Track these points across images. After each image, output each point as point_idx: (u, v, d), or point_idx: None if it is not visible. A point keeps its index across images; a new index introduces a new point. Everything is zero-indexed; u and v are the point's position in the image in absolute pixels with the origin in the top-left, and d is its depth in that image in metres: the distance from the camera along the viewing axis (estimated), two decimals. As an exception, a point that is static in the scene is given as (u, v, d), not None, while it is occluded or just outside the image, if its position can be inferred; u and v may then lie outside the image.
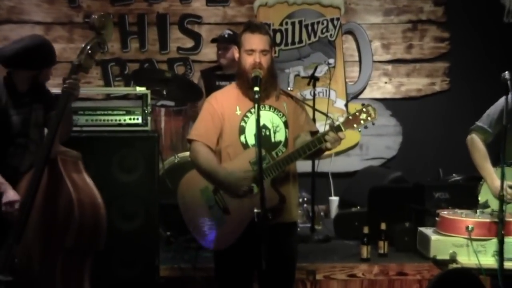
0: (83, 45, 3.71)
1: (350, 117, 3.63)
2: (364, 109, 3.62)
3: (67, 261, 3.57)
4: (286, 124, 3.80)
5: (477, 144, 4.53)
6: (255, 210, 3.42)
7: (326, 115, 4.45)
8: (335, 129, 3.59)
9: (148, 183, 4.59)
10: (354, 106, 3.70)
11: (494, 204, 4.35)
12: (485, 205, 4.44)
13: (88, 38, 3.74)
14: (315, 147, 3.62)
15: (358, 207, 6.12)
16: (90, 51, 3.69)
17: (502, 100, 4.26)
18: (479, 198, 4.51)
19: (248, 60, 3.71)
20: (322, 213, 6.72)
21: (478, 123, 4.58)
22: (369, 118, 3.62)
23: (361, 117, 3.62)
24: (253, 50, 3.71)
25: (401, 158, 7.38)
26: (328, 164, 7.16)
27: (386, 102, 7.38)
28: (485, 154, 4.51)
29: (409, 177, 6.42)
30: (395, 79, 7.42)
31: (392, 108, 7.37)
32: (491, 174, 4.43)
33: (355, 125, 3.62)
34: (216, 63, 6.07)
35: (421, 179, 5.98)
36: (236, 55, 3.84)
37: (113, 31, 3.86)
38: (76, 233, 3.56)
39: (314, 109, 4.69)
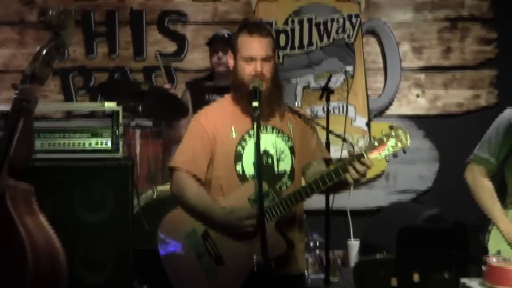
0: (37, 50, 3.68)
1: (376, 143, 3.62)
2: (393, 133, 3.62)
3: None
4: (292, 150, 3.81)
5: (480, 179, 4.58)
6: (255, 258, 3.42)
7: (344, 139, 4.44)
8: (356, 157, 3.58)
9: (119, 224, 4.60)
10: (379, 126, 3.70)
11: (510, 254, 4.38)
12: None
13: (44, 41, 3.71)
14: (332, 181, 3.61)
15: (384, 253, 6.11)
16: (46, 57, 3.65)
17: (503, 116, 4.33)
18: (489, 248, 4.55)
19: (247, 70, 3.73)
20: (338, 261, 6.71)
21: (478, 152, 4.63)
22: (399, 145, 3.61)
23: (389, 143, 3.61)
24: (253, 58, 3.73)
25: (437, 191, 7.38)
26: (346, 199, 7.15)
27: (419, 120, 7.39)
28: (491, 192, 4.57)
29: (448, 215, 6.41)
30: (429, 91, 7.43)
31: (426, 127, 7.38)
32: (501, 217, 4.49)
33: (381, 153, 3.61)
34: (205, 72, 6.08)
35: (463, 218, 5.98)
36: (231, 62, 3.85)
37: (74, 31, 3.82)
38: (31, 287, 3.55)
39: (328, 131, 4.68)
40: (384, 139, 3.61)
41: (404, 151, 3.61)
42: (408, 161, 7.16)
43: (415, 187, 7.39)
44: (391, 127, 3.63)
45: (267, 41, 3.77)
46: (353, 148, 3.68)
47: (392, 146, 3.60)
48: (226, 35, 5.89)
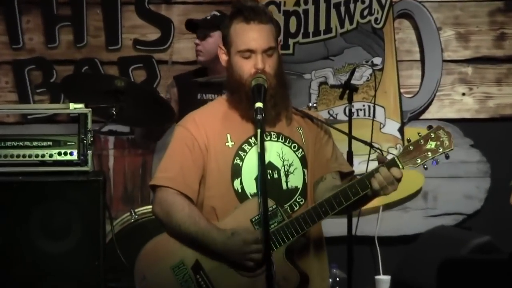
0: None
1: (411, 147, 3.64)
2: (432, 135, 3.64)
3: None
4: (303, 161, 3.82)
5: None
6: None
7: (370, 144, 4.44)
8: (387, 165, 3.60)
9: (88, 256, 4.60)
10: (415, 133, 3.69)
11: None
12: None
13: None
14: (357, 195, 3.62)
15: (422, 292, 6.14)
16: None
17: None
18: None
19: (245, 67, 3.74)
20: (364, 302, 6.75)
21: None
22: (440, 149, 3.63)
23: (427, 146, 3.63)
24: (252, 51, 3.75)
25: (489, 214, 7.38)
26: (374, 223, 7.17)
27: (465, 125, 7.40)
28: None
29: (502, 243, 6.43)
30: (478, 88, 7.45)
31: (474, 134, 7.39)
32: None
33: (418, 160, 3.63)
34: (196, 65, 6.11)
35: (522, 247, 6.02)
36: (224, 57, 3.86)
37: None
38: None
39: (351, 137, 4.70)
40: (422, 141, 3.63)
41: (446, 156, 3.62)
42: (451, 176, 7.17)
43: (460, 209, 7.39)
44: (429, 127, 3.64)
45: (268, 28, 3.78)
46: (382, 153, 3.70)
47: (431, 151, 3.61)
48: (209, 17, 5.93)
